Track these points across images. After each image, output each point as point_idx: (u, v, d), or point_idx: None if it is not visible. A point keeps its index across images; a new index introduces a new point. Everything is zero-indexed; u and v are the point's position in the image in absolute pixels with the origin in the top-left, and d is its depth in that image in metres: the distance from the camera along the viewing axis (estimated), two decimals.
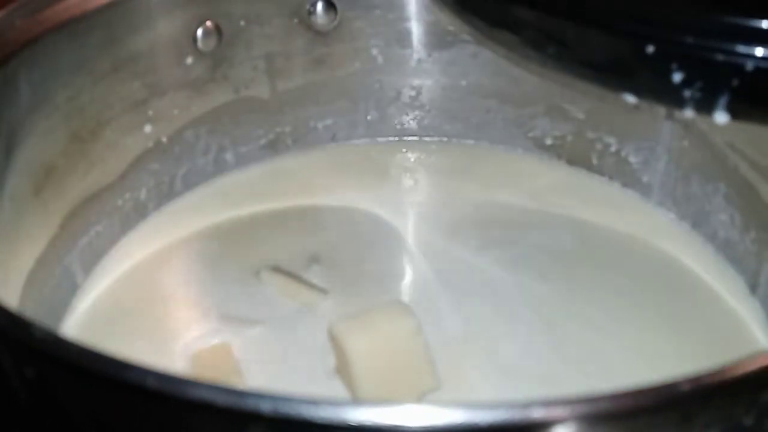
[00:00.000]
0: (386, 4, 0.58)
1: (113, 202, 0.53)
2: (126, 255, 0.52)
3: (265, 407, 0.26)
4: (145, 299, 0.49)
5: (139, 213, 0.55)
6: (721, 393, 0.28)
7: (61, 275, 0.49)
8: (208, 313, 0.48)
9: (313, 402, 0.26)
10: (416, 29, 0.59)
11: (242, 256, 0.52)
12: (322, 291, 0.49)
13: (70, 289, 0.50)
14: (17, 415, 0.34)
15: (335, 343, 0.43)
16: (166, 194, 0.56)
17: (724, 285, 0.49)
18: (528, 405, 0.26)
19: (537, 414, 0.26)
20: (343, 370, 0.43)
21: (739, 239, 0.50)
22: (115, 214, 0.53)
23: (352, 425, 0.26)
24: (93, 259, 0.52)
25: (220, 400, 0.26)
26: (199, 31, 0.53)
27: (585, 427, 0.27)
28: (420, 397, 0.42)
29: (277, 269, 0.50)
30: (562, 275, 0.50)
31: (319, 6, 0.57)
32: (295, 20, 0.57)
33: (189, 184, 0.57)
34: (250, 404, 0.26)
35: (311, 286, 0.49)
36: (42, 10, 0.46)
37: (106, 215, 0.52)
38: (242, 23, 0.55)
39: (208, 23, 0.54)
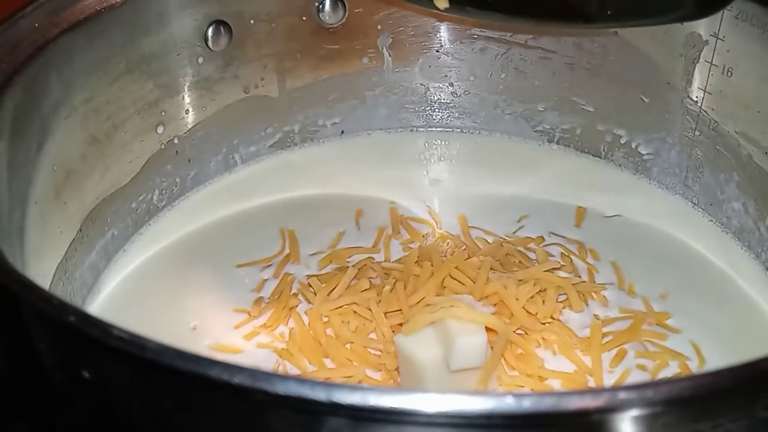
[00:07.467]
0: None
1: (129, 203, 0.52)
2: (139, 252, 0.52)
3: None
4: (161, 293, 0.49)
5: (152, 212, 0.55)
6: None
7: (82, 276, 0.49)
8: (219, 304, 0.48)
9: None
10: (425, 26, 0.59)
11: (253, 248, 0.52)
12: None
13: (88, 288, 0.50)
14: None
15: (403, 354, 0.42)
16: (177, 192, 0.56)
17: (739, 270, 0.50)
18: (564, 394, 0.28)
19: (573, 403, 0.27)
20: (409, 379, 0.42)
21: (754, 227, 0.51)
22: (130, 214, 0.53)
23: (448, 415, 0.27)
24: (110, 257, 0.52)
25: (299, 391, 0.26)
26: (210, 31, 0.53)
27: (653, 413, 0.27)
28: None
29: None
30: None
31: (328, 4, 0.57)
32: (304, 18, 0.57)
33: (200, 182, 0.57)
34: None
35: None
36: (59, 11, 0.46)
37: (121, 216, 0.52)
38: (252, 22, 0.55)
39: (219, 22, 0.53)
